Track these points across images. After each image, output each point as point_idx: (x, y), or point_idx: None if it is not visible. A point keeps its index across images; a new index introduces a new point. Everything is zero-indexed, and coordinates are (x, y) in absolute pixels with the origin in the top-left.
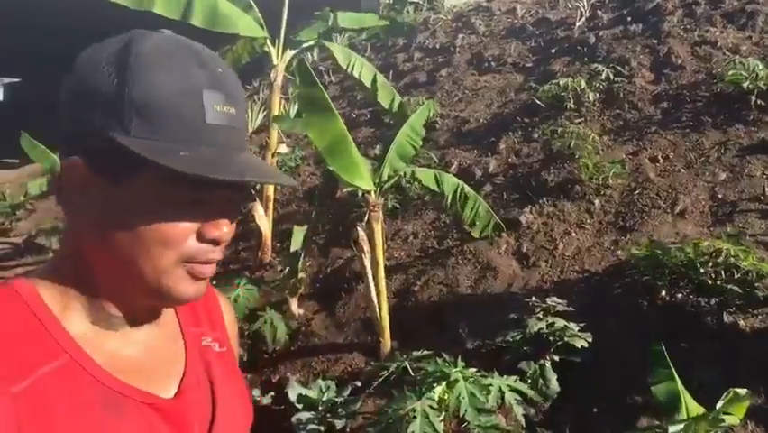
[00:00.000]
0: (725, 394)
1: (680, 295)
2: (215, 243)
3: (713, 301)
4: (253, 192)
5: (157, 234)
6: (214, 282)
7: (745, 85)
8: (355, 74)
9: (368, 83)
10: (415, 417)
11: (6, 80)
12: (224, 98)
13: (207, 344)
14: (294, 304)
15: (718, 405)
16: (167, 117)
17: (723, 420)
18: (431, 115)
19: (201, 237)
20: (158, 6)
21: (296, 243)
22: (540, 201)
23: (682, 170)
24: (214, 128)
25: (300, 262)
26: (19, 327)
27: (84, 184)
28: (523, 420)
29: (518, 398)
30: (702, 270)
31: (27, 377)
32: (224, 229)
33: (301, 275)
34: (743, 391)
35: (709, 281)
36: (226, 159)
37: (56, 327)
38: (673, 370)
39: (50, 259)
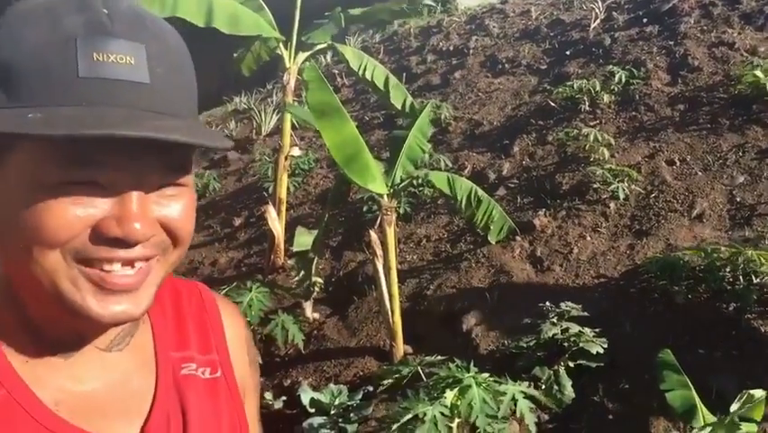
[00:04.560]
0: (738, 397)
1: (697, 300)
2: (123, 242)
3: (731, 306)
4: (266, 195)
5: (31, 234)
6: (225, 287)
7: (763, 86)
8: (367, 75)
9: (380, 84)
10: (424, 421)
11: None
12: (113, 45)
13: (190, 372)
14: (309, 308)
15: (733, 407)
16: (31, 78)
17: (740, 427)
18: (442, 117)
19: (98, 235)
20: (181, 11)
21: (298, 245)
22: (554, 204)
23: (699, 172)
24: (91, 83)
25: (314, 266)
26: None
27: None
28: (535, 429)
29: (532, 406)
30: (720, 274)
31: None
32: (136, 225)
33: (316, 279)
34: (758, 393)
35: (728, 286)
36: (95, 116)
37: None
38: (686, 377)
39: None
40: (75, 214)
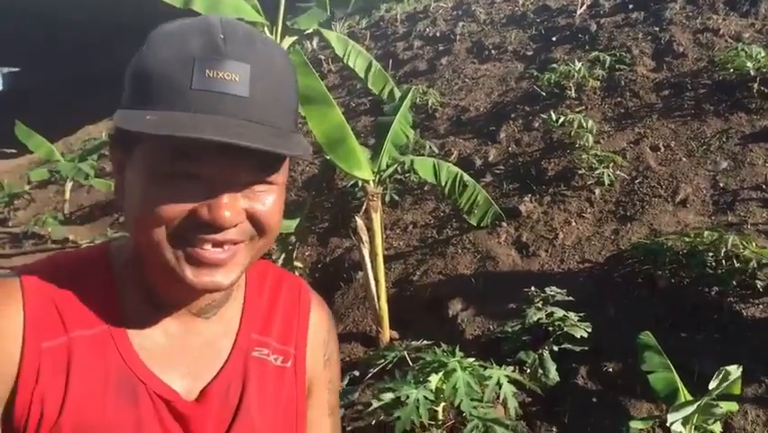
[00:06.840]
0: (716, 374)
1: (680, 284)
2: (213, 226)
3: (714, 290)
4: None
5: (145, 212)
6: None
7: (747, 72)
8: (350, 63)
9: (361, 72)
10: (407, 404)
11: (6, 69)
12: (223, 64)
13: (261, 356)
14: None
15: (711, 385)
16: (156, 87)
17: (719, 406)
18: (429, 103)
19: (194, 219)
20: None
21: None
22: (540, 190)
23: (683, 158)
24: (201, 94)
25: (295, 251)
26: (84, 287)
27: (117, 165)
28: (516, 413)
29: (516, 390)
30: (703, 259)
31: (61, 336)
32: (225, 213)
33: (297, 264)
34: (734, 368)
35: (710, 270)
36: (196, 121)
37: (109, 296)
38: (668, 360)
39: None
40: (176, 200)
